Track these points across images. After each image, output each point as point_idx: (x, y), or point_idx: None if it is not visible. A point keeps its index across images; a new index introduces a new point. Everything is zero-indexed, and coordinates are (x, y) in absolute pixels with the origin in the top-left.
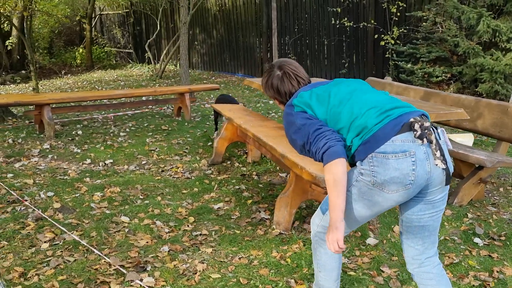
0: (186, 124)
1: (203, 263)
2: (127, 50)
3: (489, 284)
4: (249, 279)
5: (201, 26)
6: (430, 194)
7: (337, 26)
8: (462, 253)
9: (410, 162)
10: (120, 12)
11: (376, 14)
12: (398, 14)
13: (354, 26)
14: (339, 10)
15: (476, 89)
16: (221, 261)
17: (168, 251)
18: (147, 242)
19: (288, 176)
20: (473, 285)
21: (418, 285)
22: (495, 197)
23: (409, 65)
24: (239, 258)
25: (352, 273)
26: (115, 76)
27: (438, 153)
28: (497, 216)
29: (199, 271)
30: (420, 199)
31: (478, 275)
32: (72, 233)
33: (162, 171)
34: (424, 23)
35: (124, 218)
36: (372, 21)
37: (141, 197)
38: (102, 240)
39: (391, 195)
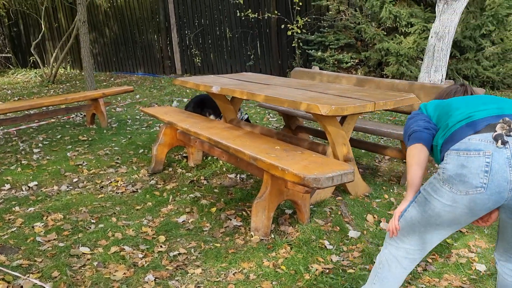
0: (105, 132)
1: (199, 287)
2: (4, 55)
3: (474, 260)
4: None
5: (91, 24)
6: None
7: (241, 18)
8: None
9: (484, 162)
10: None
11: (277, 4)
12: (301, 4)
13: (257, 17)
14: (241, 1)
15: (383, 72)
16: (216, 281)
17: (154, 279)
18: (124, 274)
19: (236, 176)
20: (461, 263)
21: (498, 275)
22: None
23: (319, 53)
24: (234, 274)
25: (350, 270)
26: None
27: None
28: None
29: None
30: (506, 214)
31: (460, 252)
32: (28, 277)
33: (101, 187)
34: (329, 12)
35: (84, 249)
36: (276, 12)
37: (92, 221)
38: (70, 279)
39: (460, 196)
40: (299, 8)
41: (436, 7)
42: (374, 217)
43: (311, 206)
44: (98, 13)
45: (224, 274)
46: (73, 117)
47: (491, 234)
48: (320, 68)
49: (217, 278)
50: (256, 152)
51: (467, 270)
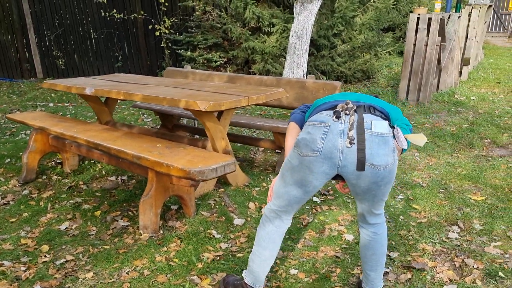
0: None
1: None
2: None
3: (344, 232)
4: None
5: None
6: (354, 179)
7: (106, 18)
8: (310, 212)
9: (322, 131)
10: None
11: (143, 5)
12: (167, 4)
13: (123, 17)
14: (104, 1)
15: (250, 70)
16: (110, 282)
17: None
18: None
19: (117, 178)
20: (333, 236)
21: (360, 237)
22: None
23: (188, 53)
24: (127, 273)
25: (239, 255)
26: None
27: (350, 134)
28: None
29: None
30: (348, 182)
31: (332, 226)
32: None
33: None
34: (196, 13)
35: None
36: (142, 12)
37: None
38: None
39: (303, 158)
40: (165, 9)
41: (294, 8)
42: (255, 204)
43: (196, 200)
44: None
45: (117, 274)
46: None
47: (355, 207)
48: (191, 68)
49: (110, 279)
50: (139, 151)
51: (339, 241)
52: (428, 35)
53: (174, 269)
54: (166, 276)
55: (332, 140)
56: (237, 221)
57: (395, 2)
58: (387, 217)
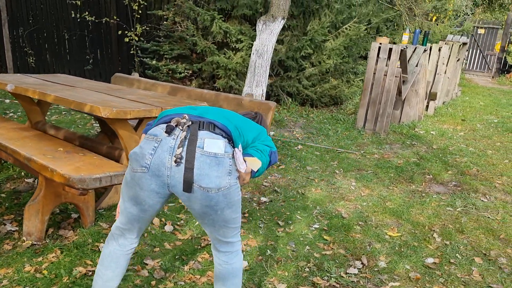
0: None
1: None
2: None
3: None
4: None
5: None
6: (185, 201)
7: (78, 20)
8: None
9: (152, 146)
10: None
11: (118, 10)
12: (140, 11)
13: (96, 21)
14: (78, 3)
15: (215, 85)
16: None
17: None
18: None
19: (35, 181)
20: None
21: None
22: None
23: (154, 62)
24: None
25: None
26: None
27: (178, 151)
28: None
29: None
30: (183, 203)
31: None
32: None
33: None
34: (165, 22)
35: None
36: (115, 17)
37: None
38: None
39: (134, 174)
40: (139, 16)
41: (257, 26)
42: (161, 221)
43: (101, 210)
44: None
45: None
46: None
47: (265, 233)
48: (155, 78)
49: None
50: (33, 153)
51: None
52: (387, 65)
53: (36, 281)
54: None
55: (160, 156)
56: None
57: (375, 32)
58: (293, 246)
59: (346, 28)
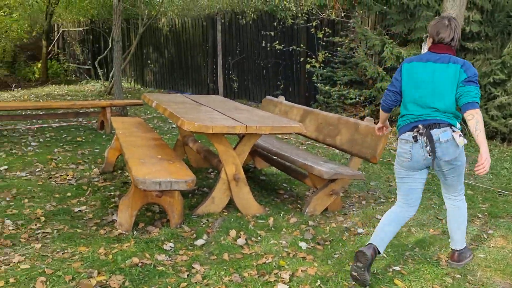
0: (104, 136)
1: (22, 256)
2: (86, 67)
3: (284, 280)
4: (56, 270)
5: (153, 45)
6: (436, 169)
7: (271, 49)
8: (280, 255)
9: (409, 146)
10: (80, 29)
11: (307, 39)
12: (325, 39)
13: (285, 49)
14: (272, 34)
15: None
16: (43, 255)
17: None
18: None
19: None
20: (270, 281)
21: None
22: (353, 209)
23: (327, 87)
24: (62, 253)
25: (161, 268)
26: (66, 91)
27: (428, 148)
28: (336, 225)
29: (13, 262)
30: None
31: (279, 273)
32: None
33: (50, 177)
34: (339, 48)
35: None
36: (302, 45)
37: (7, 199)
38: None
39: (403, 163)
40: (324, 43)
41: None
42: (239, 235)
43: (195, 216)
44: (160, 35)
45: (57, 252)
46: (92, 123)
47: (336, 263)
48: (326, 103)
49: (46, 253)
50: (129, 157)
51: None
52: None
53: (96, 261)
54: (82, 264)
55: (417, 152)
56: (199, 242)
57: None
58: None
59: None
